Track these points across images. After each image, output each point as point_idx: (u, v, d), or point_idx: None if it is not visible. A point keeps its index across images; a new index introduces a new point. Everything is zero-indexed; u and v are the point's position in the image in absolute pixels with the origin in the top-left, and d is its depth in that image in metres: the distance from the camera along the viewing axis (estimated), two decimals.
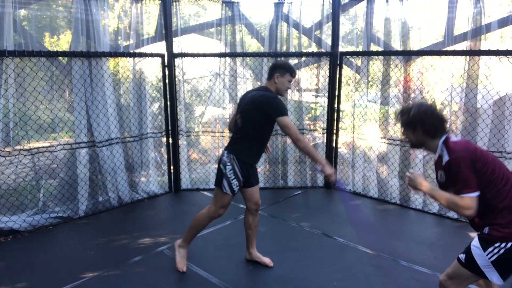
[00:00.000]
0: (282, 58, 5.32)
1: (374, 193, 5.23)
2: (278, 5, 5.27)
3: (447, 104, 4.63)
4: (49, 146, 4.27)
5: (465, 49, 4.37)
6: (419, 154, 4.82)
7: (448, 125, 2.17)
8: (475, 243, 2.09)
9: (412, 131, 2.19)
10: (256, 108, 2.99)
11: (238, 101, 3.36)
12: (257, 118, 3.01)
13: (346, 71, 5.43)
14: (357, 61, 5.25)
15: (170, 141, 5.34)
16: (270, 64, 5.36)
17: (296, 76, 5.36)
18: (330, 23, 5.27)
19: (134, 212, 4.77)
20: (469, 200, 1.99)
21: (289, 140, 5.58)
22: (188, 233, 3.35)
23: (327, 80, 5.33)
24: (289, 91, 5.42)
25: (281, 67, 3.09)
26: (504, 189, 2.02)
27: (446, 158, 2.07)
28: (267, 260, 3.42)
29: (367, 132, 5.26)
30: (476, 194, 1.99)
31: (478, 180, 2.01)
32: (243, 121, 3.08)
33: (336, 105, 5.35)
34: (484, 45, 4.30)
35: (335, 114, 5.38)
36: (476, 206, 1.99)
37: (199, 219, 3.29)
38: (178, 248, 3.39)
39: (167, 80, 5.14)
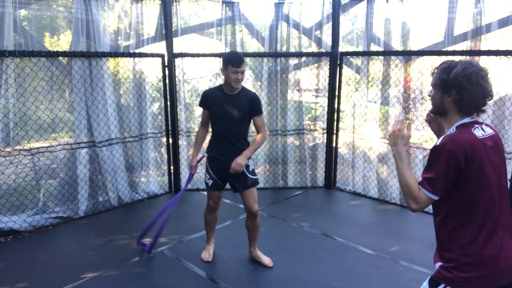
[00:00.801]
0: (283, 58, 5.32)
1: (374, 193, 5.23)
2: (278, 5, 5.27)
3: None
4: (49, 146, 4.27)
5: (465, 49, 4.36)
6: (419, 154, 4.82)
7: (486, 106, 1.69)
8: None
9: (442, 92, 1.71)
10: None
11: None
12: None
13: (346, 71, 5.43)
14: (357, 61, 5.24)
15: (170, 141, 5.34)
16: (270, 64, 5.40)
17: (296, 76, 5.44)
18: (330, 23, 5.27)
19: (134, 212, 4.77)
20: (425, 197, 1.64)
21: (289, 140, 5.58)
22: (205, 230, 3.63)
23: (327, 80, 5.33)
24: (289, 91, 5.43)
25: (223, 60, 3.09)
26: (476, 237, 1.63)
27: (437, 141, 1.67)
28: (266, 260, 3.43)
29: (367, 132, 5.25)
30: (435, 197, 1.64)
31: (453, 190, 1.64)
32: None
33: (336, 105, 5.35)
34: (484, 45, 4.30)
35: (335, 114, 5.39)
36: (424, 207, 1.66)
37: (204, 217, 3.54)
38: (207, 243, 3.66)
39: (167, 80, 5.14)
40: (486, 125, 1.74)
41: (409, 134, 1.76)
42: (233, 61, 2.99)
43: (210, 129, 3.37)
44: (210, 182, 3.29)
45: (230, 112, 3.12)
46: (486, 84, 1.65)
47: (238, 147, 3.18)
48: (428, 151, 1.96)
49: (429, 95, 1.83)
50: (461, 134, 1.64)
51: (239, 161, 3.07)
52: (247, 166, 3.21)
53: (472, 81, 1.62)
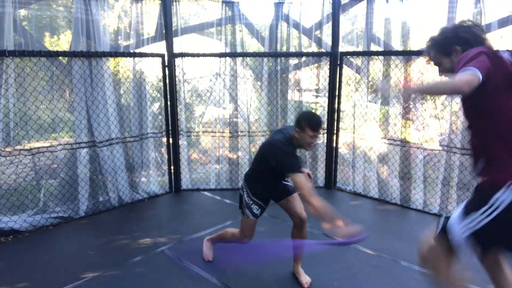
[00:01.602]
0: (283, 58, 5.32)
1: (374, 194, 5.23)
2: (278, 5, 5.27)
3: (448, 104, 4.63)
4: (49, 146, 4.27)
5: None
6: (419, 154, 4.82)
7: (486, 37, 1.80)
8: None
9: (447, 55, 1.85)
10: (263, 156, 2.90)
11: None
12: (265, 165, 2.90)
13: (346, 71, 5.43)
14: (357, 61, 5.24)
15: (171, 141, 5.34)
16: (270, 64, 5.40)
17: (297, 76, 5.43)
18: (330, 23, 5.27)
19: (134, 212, 4.77)
20: (470, 73, 1.60)
21: None
22: (216, 236, 3.47)
23: (327, 80, 5.33)
24: (289, 91, 5.43)
25: (300, 121, 2.76)
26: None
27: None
28: (303, 280, 3.14)
29: (368, 132, 5.25)
30: (479, 73, 1.60)
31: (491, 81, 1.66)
32: (256, 161, 3.04)
33: (336, 105, 5.35)
34: None
35: (335, 114, 5.38)
36: (474, 82, 1.61)
37: (227, 236, 3.34)
38: (206, 242, 3.56)
39: (167, 80, 5.14)
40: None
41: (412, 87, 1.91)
42: (314, 126, 2.72)
43: (253, 164, 3.09)
44: (259, 212, 3.05)
45: None
46: (471, 22, 1.83)
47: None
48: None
49: (434, 64, 1.93)
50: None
51: None
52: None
53: (461, 27, 1.80)
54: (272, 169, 2.85)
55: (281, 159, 2.74)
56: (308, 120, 2.74)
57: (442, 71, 1.91)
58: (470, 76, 1.58)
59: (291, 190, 3.13)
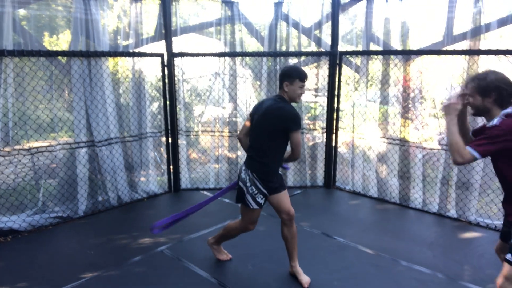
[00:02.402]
0: (282, 57, 5.32)
1: (373, 193, 5.24)
2: (278, 5, 5.27)
3: None
4: (48, 146, 4.26)
5: (464, 48, 4.37)
6: (418, 154, 4.83)
7: None
8: None
9: (483, 97, 2.18)
10: (273, 123, 2.88)
11: (250, 110, 3.17)
12: (275, 133, 2.89)
13: (346, 71, 5.43)
14: (357, 60, 5.25)
15: (170, 140, 5.34)
16: (270, 63, 5.40)
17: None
18: (329, 23, 5.27)
19: (133, 211, 4.76)
20: (469, 154, 2.08)
21: None
22: (219, 237, 3.43)
23: (326, 79, 5.33)
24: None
25: (287, 74, 2.93)
26: None
27: (494, 122, 2.13)
28: (304, 280, 3.13)
29: (367, 131, 5.26)
30: (478, 155, 2.08)
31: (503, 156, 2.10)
32: (259, 136, 2.96)
33: (335, 105, 5.35)
34: (483, 45, 4.30)
35: (335, 114, 5.39)
36: (467, 162, 2.11)
37: (230, 230, 3.31)
38: (212, 245, 3.52)
39: (166, 80, 5.14)
40: None
41: (461, 107, 2.26)
42: (301, 76, 2.90)
43: (254, 148, 3.03)
44: (263, 201, 3.01)
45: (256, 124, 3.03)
46: (510, 81, 2.18)
47: (252, 163, 3.07)
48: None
49: (466, 100, 2.27)
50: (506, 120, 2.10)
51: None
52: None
53: (505, 82, 2.15)
54: (280, 140, 2.91)
55: (293, 117, 2.85)
56: (296, 72, 2.92)
57: (471, 105, 2.26)
58: (469, 156, 2.09)
59: (284, 185, 3.12)
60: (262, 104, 3.04)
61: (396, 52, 4.83)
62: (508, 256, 2.10)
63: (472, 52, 4.27)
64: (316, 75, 5.48)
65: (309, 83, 5.54)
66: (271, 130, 2.90)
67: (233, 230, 3.28)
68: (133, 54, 4.81)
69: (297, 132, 2.85)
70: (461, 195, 4.45)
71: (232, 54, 5.26)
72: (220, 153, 5.57)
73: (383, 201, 5.09)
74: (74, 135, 4.51)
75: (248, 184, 2.96)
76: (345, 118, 5.68)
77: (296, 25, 5.37)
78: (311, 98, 5.69)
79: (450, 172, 4.59)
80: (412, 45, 4.86)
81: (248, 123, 3.15)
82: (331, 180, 5.63)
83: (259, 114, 2.98)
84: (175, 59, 5.13)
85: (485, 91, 2.16)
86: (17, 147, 4.03)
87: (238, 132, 5.45)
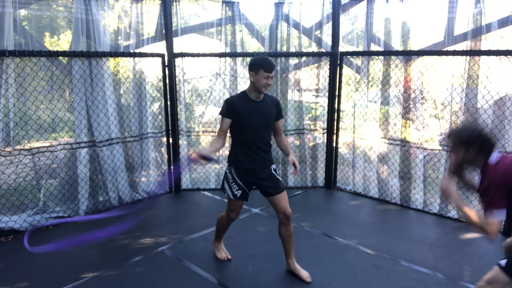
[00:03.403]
0: (283, 58, 5.32)
1: (374, 193, 5.23)
2: (278, 5, 5.27)
3: (448, 104, 4.63)
4: (49, 146, 4.27)
5: (465, 49, 4.36)
6: (419, 154, 4.82)
7: (497, 144, 2.31)
8: None
9: (466, 149, 2.28)
10: None
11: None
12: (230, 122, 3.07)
13: (346, 71, 5.43)
14: (357, 61, 5.24)
15: (171, 141, 5.34)
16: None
17: (297, 76, 5.43)
18: (330, 23, 5.27)
19: (134, 212, 4.76)
20: (495, 225, 2.11)
21: (289, 140, 5.57)
22: (216, 232, 3.57)
23: (327, 80, 5.33)
24: (289, 91, 5.43)
25: (252, 65, 2.97)
26: None
27: (483, 177, 2.24)
28: (304, 275, 3.22)
29: (368, 132, 5.25)
30: (500, 217, 2.11)
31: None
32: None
33: (336, 105, 5.35)
34: (484, 45, 4.30)
35: (335, 114, 5.38)
36: (499, 225, 2.11)
37: (218, 223, 3.49)
38: (214, 244, 3.63)
39: (167, 80, 5.14)
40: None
41: (455, 189, 2.39)
42: (265, 66, 2.92)
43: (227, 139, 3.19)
44: (239, 193, 3.12)
45: (261, 119, 3.04)
46: (491, 134, 2.34)
47: (267, 153, 3.15)
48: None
49: (451, 153, 2.39)
50: (496, 164, 2.21)
51: (295, 159, 3.18)
52: (274, 170, 3.19)
53: (484, 133, 2.26)
54: (234, 129, 3.08)
55: (223, 104, 3.08)
56: (261, 62, 2.94)
57: (457, 161, 2.37)
58: (497, 225, 2.11)
59: (281, 188, 3.17)
60: None
61: (396, 53, 4.83)
62: (502, 262, 2.13)
63: (473, 53, 4.26)
64: (317, 76, 5.47)
65: (310, 84, 5.55)
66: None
67: (221, 220, 3.42)
68: (134, 55, 4.82)
69: (220, 116, 3.10)
70: (462, 196, 4.44)
71: (233, 55, 5.27)
72: (221, 154, 5.57)
73: (384, 202, 5.09)
74: (75, 135, 4.52)
75: (227, 171, 3.17)
76: (346, 119, 5.68)
77: (296, 26, 5.38)
78: (312, 99, 5.69)
79: None
80: (413, 46, 4.86)
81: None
82: (332, 181, 5.62)
83: None
84: (176, 59, 5.13)
85: (468, 143, 2.25)
86: (18, 147, 4.04)
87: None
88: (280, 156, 5.59)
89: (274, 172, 3.17)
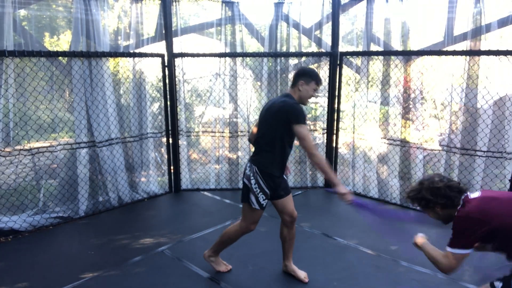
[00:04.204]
0: (282, 58, 5.32)
1: (374, 193, 5.23)
2: (278, 5, 5.27)
3: (447, 104, 4.63)
4: (49, 146, 4.26)
5: (465, 49, 4.37)
6: (419, 155, 4.82)
7: (462, 186, 2.07)
8: None
9: (432, 210, 2.11)
10: (275, 115, 2.85)
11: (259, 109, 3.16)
12: (277, 126, 2.85)
13: (346, 71, 5.43)
14: (357, 61, 5.24)
15: (170, 141, 5.34)
16: (270, 64, 5.40)
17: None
18: (330, 23, 5.27)
19: (134, 212, 4.77)
20: (451, 257, 1.97)
21: None
22: (217, 245, 3.28)
23: (327, 80, 5.33)
24: (284, 89, 5.40)
25: (306, 74, 2.92)
26: None
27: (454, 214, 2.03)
28: (302, 275, 3.20)
29: (367, 132, 5.25)
30: (460, 251, 1.96)
31: (483, 240, 1.96)
32: (264, 130, 2.95)
33: (336, 105, 5.35)
34: (484, 45, 4.30)
35: (335, 114, 5.38)
36: (458, 266, 1.98)
37: (230, 235, 3.17)
38: (209, 258, 3.33)
39: (167, 80, 5.14)
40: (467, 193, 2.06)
41: (424, 240, 2.22)
42: (317, 79, 2.94)
43: (260, 144, 2.99)
44: (265, 202, 2.95)
45: None
46: (443, 182, 2.03)
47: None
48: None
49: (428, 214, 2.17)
50: (467, 203, 2.00)
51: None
52: None
53: (432, 190, 2.03)
54: (283, 133, 2.87)
55: (294, 110, 2.83)
56: (314, 75, 2.94)
57: (436, 219, 2.18)
58: (455, 263, 2.00)
59: (289, 188, 3.13)
60: (268, 103, 3.06)
61: (396, 53, 4.83)
62: (497, 284, 2.02)
63: (473, 53, 4.27)
64: None
65: None
66: (272, 123, 2.89)
67: (233, 234, 3.15)
68: (134, 55, 4.82)
69: (299, 126, 2.80)
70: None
71: (233, 55, 5.27)
72: (221, 154, 5.57)
73: (384, 202, 5.08)
74: (75, 135, 4.52)
75: (253, 182, 2.91)
76: (345, 119, 5.68)
77: (296, 26, 5.38)
78: (312, 99, 5.67)
79: (451, 173, 4.58)
80: (413, 46, 4.86)
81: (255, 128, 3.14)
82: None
83: (265, 110, 3.00)
84: (175, 59, 5.13)
85: (427, 206, 2.09)
86: (18, 147, 4.04)
87: (239, 132, 5.47)
88: None
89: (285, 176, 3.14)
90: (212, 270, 3.35)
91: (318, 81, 2.95)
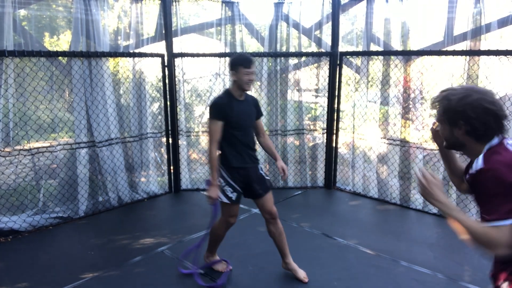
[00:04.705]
0: (282, 58, 5.32)
1: (374, 193, 5.23)
2: (278, 5, 5.27)
3: None
4: (49, 146, 4.26)
5: (465, 49, 4.37)
6: (419, 154, 4.82)
7: (507, 124, 1.53)
8: None
9: (449, 127, 1.56)
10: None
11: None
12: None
13: (346, 71, 5.43)
14: (357, 61, 5.25)
15: (170, 141, 5.34)
16: (270, 64, 5.40)
17: (296, 76, 5.44)
18: (330, 23, 5.27)
19: (134, 212, 4.76)
20: (502, 230, 1.37)
21: (289, 140, 5.58)
22: (210, 245, 3.37)
23: (327, 80, 5.33)
24: (288, 91, 5.43)
25: (232, 64, 2.98)
26: None
27: (479, 165, 1.47)
28: (301, 275, 3.20)
29: (367, 132, 5.25)
30: (509, 222, 1.37)
31: None
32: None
33: (336, 105, 5.35)
34: (484, 45, 4.30)
35: (335, 114, 5.38)
36: (510, 240, 1.38)
37: (216, 232, 3.27)
38: (208, 259, 3.41)
39: (167, 80, 5.14)
40: (509, 138, 1.56)
41: (439, 180, 1.53)
42: (244, 62, 2.93)
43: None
44: (234, 195, 3.03)
45: (247, 118, 3.06)
46: (495, 106, 1.46)
47: (255, 151, 3.15)
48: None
49: (435, 129, 1.71)
50: (498, 154, 1.46)
51: (284, 164, 3.15)
52: (261, 169, 3.19)
53: (478, 107, 1.45)
54: (221, 126, 2.97)
55: (210, 106, 2.99)
56: (238, 60, 2.96)
57: (442, 136, 1.66)
58: (506, 236, 1.37)
59: (269, 186, 3.18)
60: None
61: (396, 53, 4.83)
62: None
63: (473, 53, 4.27)
64: (317, 76, 5.47)
65: (310, 84, 5.55)
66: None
67: (218, 230, 3.25)
68: (134, 55, 4.81)
69: (209, 120, 2.97)
70: (462, 196, 4.45)
71: (233, 55, 5.25)
72: None
73: (384, 202, 5.09)
74: (75, 135, 4.52)
75: (221, 179, 3.04)
76: (345, 119, 5.68)
77: (296, 26, 5.38)
78: (312, 99, 5.69)
79: None
80: (413, 46, 4.86)
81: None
82: (332, 181, 5.62)
83: None
84: (175, 59, 5.13)
85: (450, 118, 1.54)
86: (17, 147, 4.04)
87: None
88: (279, 156, 5.58)
89: (261, 172, 3.17)
90: (212, 270, 3.35)
91: (244, 64, 2.93)
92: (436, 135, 1.76)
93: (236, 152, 3.03)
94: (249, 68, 2.93)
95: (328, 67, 5.29)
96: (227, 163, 3.03)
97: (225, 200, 3.04)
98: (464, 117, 1.48)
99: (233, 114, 2.96)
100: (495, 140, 1.51)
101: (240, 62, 2.93)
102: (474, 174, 1.49)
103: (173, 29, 5.11)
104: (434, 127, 1.74)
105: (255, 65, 3.05)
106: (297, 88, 5.49)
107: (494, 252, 1.41)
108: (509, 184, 1.38)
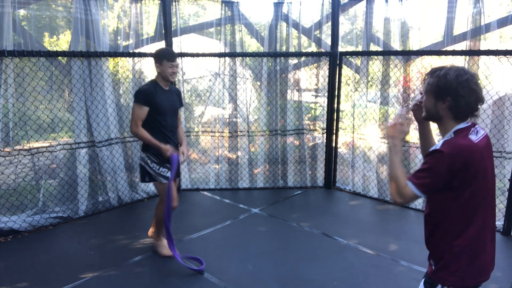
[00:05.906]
0: (282, 58, 5.32)
1: (374, 193, 5.24)
2: (278, 5, 5.27)
3: None
4: (48, 146, 4.26)
5: (464, 49, 4.37)
6: (419, 154, 4.83)
7: (478, 111, 1.72)
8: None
9: (435, 99, 1.70)
10: None
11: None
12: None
13: (346, 71, 5.43)
14: (357, 61, 5.25)
15: None
16: (270, 64, 5.40)
17: (296, 76, 5.44)
18: (329, 23, 5.27)
19: (134, 212, 4.76)
20: (410, 191, 1.66)
21: (288, 140, 5.58)
22: (157, 227, 3.62)
23: (326, 80, 5.33)
24: (288, 91, 5.43)
25: (156, 56, 3.26)
26: (464, 228, 1.72)
27: (437, 146, 1.65)
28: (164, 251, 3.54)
29: (367, 132, 5.26)
30: (420, 194, 1.67)
31: (444, 192, 1.67)
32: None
33: (335, 105, 5.35)
34: (483, 45, 4.31)
35: (335, 114, 5.39)
36: (408, 201, 1.72)
37: (160, 216, 3.47)
38: (157, 242, 3.65)
39: None
40: (478, 126, 1.75)
41: (408, 129, 1.82)
42: (168, 56, 3.24)
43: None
44: (169, 173, 3.31)
45: (171, 106, 3.38)
46: (479, 89, 1.66)
47: (176, 137, 3.49)
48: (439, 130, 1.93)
49: (419, 101, 1.90)
50: (459, 139, 1.64)
51: (185, 149, 3.52)
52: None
53: (467, 87, 1.63)
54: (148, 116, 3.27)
55: (136, 91, 3.29)
56: (162, 54, 3.28)
57: (423, 105, 1.82)
58: (410, 194, 1.68)
59: (180, 173, 3.65)
60: None
61: (396, 53, 4.83)
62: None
63: (472, 53, 4.27)
64: (316, 76, 5.48)
65: (309, 84, 5.55)
66: None
67: (160, 212, 3.42)
68: (133, 55, 4.81)
69: (135, 105, 3.24)
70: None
71: (232, 55, 5.27)
72: (220, 154, 5.57)
73: (384, 202, 5.09)
74: (75, 135, 4.52)
75: (147, 161, 3.33)
76: (345, 119, 5.68)
77: (296, 26, 5.38)
78: (311, 99, 5.69)
79: None
80: (412, 46, 4.87)
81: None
82: (331, 181, 5.62)
83: None
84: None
85: (440, 92, 1.67)
86: (17, 147, 4.03)
87: (238, 132, 5.46)
88: (279, 156, 5.59)
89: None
90: (211, 270, 3.35)
91: (168, 57, 3.24)
92: (418, 110, 1.94)
93: (161, 136, 3.30)
94: (173, 62, 3.26)
95: (327, 67, 5.30)
96: (148, 148, 3.31)
97: (164, 181, 3.31)
98: (454, 94, 1.64)
99: (158, 101, 3.25)
100: (465, 123, 1.70)
101: (164, 56, 3.24)
102: (430, 152, 1.68)
103: (172, 29, 5.11)
104: (420, 100, 1.88)
105: (178, 58, 3.43)
106: (296, 88, 5.49)
107: (393, 199, 1.75)
108: (444, 170, 1.59)
